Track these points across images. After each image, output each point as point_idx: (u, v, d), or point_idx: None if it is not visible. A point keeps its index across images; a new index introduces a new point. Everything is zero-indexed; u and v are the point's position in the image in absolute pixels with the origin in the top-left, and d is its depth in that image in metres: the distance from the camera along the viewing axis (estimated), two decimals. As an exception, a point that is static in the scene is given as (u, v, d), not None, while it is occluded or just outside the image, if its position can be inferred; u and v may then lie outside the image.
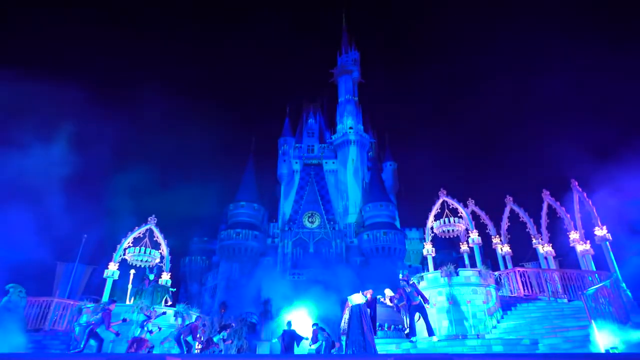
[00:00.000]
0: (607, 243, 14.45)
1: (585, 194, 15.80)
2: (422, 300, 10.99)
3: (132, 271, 16.59)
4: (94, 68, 74.22)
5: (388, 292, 11.47)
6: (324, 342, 11.82)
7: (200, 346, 12.55)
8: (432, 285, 12.94)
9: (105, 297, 15.19)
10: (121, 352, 11.66)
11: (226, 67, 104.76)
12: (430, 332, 10.89)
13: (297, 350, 12.71)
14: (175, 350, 12.06)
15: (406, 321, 11.79)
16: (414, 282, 11.61)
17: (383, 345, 11.43)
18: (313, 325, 12.45)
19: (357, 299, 9.78)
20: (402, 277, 11.52)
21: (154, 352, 11.95)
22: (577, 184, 16.17)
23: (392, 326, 13.67)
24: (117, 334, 11.05)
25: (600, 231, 14.67)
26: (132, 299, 15.73)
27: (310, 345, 12.31)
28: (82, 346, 10.45)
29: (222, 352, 13.95)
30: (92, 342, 10.64)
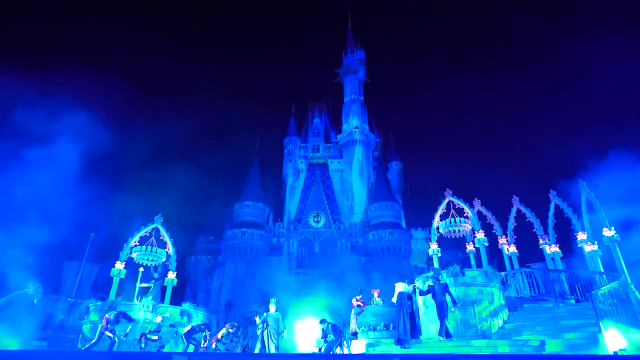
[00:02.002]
0: (616, 244, 14.29)
1: (593, 194, 15.64)
2: (450, 300, 10.93)
3: (141, 269, 16.70)
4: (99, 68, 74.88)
5: (401, 286, 11.95)
6: (333, 339, 11.76)
7: (206, 343, 12.63)
8: (437, 286, 12.87)
9: (112, 296, 15.31)
10: (128, 350, 11.80)
11: (230, 66, 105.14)
12: (441, 332, 10.81)
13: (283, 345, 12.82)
14: (180, 347, 12.19)
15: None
16: (445, 283, 11.46)
17: (388, 344, 11.41)
18: (321, 322, 12.35)
19: (401, 287, 11.64)
20: (433, 274, 11.71)
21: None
22: (585, 184, 16.01)
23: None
24: (126, 335, 11.34)
25: (609, 232, 14.49)
26: (140, 297, 15.88)
27: (320, 343, 12.29)
28: (93, 342, 10.72)
29: (227, 351, 14.03)
30: (104, 339, 10.89)
